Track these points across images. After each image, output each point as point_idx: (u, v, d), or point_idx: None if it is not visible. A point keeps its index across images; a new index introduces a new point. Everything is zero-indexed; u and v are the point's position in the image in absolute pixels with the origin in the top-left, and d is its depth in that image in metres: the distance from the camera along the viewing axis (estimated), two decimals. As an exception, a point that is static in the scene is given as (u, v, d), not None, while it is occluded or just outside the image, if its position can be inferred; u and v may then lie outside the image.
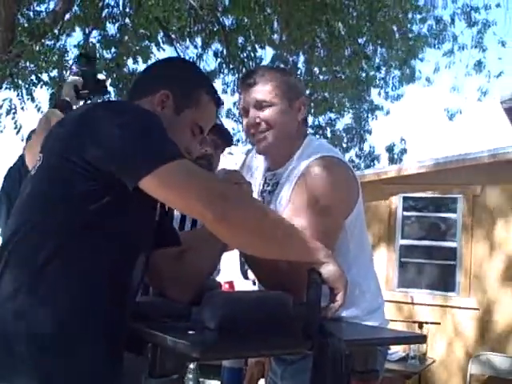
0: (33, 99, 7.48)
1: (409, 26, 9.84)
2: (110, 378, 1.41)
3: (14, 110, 6.98)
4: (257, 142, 1.98)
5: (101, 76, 2.57)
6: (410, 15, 9.59)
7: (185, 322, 1.51)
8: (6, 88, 6.99)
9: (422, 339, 1.73)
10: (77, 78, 2.45)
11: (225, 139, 2.67)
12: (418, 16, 9.97)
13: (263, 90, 1.93)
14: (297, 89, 2.00)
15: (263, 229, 1.43)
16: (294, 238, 1.50)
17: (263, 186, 2.04)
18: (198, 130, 1.64)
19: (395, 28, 9.02)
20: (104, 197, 1.37)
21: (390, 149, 13.25)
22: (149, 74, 1.72)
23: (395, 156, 13.12)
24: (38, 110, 7.55)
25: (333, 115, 11.44)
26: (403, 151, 13.18)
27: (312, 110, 9.91)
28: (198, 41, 9.11)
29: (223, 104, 1.77)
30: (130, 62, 8.27)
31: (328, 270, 1.48)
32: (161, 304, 1.63)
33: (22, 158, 2.69)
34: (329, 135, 11.61)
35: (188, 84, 1.63)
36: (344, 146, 12.26)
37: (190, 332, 1.39)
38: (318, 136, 9.81)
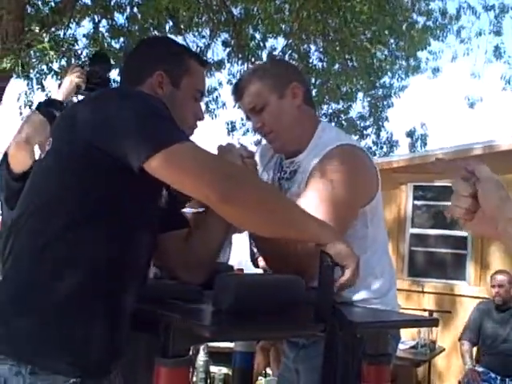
0: (43, 89, 7.51)
1: (415, 17, 9.76)
2: (111, 356, 1.43)
3: (30, 103, 7.04)
4: (268, 143, 2.03)
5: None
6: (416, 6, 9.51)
7: (197, 304, 1.52)
8: (17, 78, 7.01)
9: (435, 322, 1.73)
10: (81, 79, 2.50)
11: None
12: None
13: (250, 97, 1.96)
14: (283, 77, 1.98)
15: (268, 208, 1.44)
16: (299, 217, 1.50)
17: (280, 173, 2.04)
18: (199, 95, 1.71)
19: (401, 18, 8.95)
20: (110, 180, 1.39)
21: (410, 134, 13.02)
22: (137, 60, 1.73)
23: (417, 142, 12.85)
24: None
25: (346, 103, 11.34)
26: (425, 136, 12.92)
27: (325, 98, 9.86)
28: (207, 30, 9.08)
29: (207, 62, 1.83)
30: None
31: (336, 248, 1.48)
32: (173, 287, 1.64)
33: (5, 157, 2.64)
34: (344, 123, 11.49)
35: (174, 57, 1.68)
36: (359, 133, 12.12)
37: (203, 313, 1.39)
38: (333, 123, 9.74)
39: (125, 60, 1.85)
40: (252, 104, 1.96)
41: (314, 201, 1.76)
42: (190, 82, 1.67)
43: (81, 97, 2.45)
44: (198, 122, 1.74)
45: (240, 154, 1.72)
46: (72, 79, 2.50)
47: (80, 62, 2.61)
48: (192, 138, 1.60)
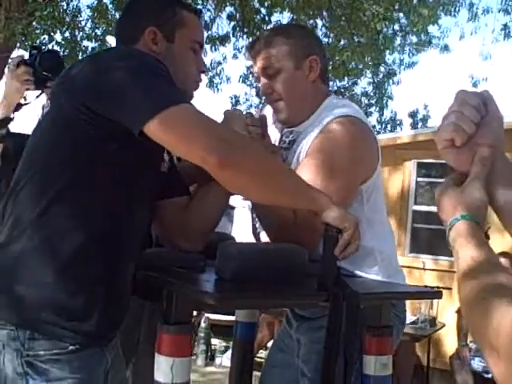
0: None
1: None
2: (110, 323, 1.43)
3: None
4: (274, 111, 1.96)
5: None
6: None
7: (200, 272, 1.52)
8: (20, 48, 6.95)
9: (438, 295, 1.73)
10: (26, 82, 1.98)
11: None
12: None
13: (267, 57, 1.89)
14: (305, 47, 1.90)
15: (265, 174, 1.41)
16: (296, 185, 1.49)
17: (280, 142, 2.01)
18: (197, 46, 1.65)
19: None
20: (108, 143, 1.37)
21: (412, 115, 12.97)
22: (129, 19, 1.67)
23: (419, 124, 12.83)
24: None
25: (351, 80, 11.26)
26: (426, 118, 12.89)
27: (330, 74, 9.78)
28: (212, 4, 8.98)
29: (200, 10, 1.74)
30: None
31: (332, 213, 1.46)
32: (176, 255, 1.63)
33: None
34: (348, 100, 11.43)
35: (163, 11, 1.61)
36: (363, 111, 12.07)
37: (206, 281, 1.39)
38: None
39: (117, 21, 1.78)
40: (266, 65, 1.89)
41: (313, 170, 1.73)
42: (185, 33, 1.60)
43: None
44: (202, 76, 1.70)
45: (245, 121, 1.70)
46: (13, 86, 1.99)
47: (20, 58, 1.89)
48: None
